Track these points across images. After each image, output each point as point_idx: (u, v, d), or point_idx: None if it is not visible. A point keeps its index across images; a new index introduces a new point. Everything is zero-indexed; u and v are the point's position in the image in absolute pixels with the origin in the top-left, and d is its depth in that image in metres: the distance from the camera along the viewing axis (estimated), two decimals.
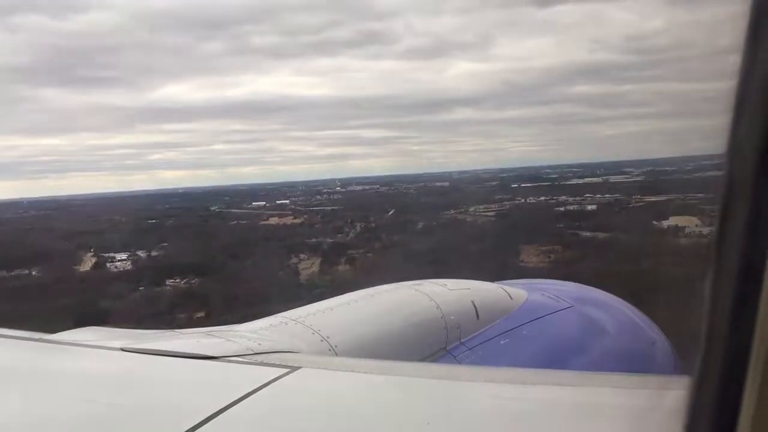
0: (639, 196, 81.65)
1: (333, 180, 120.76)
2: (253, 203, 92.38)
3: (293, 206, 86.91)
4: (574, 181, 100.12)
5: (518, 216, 75.51)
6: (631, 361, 4.75)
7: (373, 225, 72.27)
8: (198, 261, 52.39)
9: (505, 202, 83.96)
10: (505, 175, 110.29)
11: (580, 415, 2.38)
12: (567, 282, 5.86)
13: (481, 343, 4.22)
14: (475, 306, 4.39)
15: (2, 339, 3.75)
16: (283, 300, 41.94)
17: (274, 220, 78.32)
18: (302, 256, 55.94)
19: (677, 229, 65.70)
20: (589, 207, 77.77)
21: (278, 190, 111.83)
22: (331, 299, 4.31)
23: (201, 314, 36.42)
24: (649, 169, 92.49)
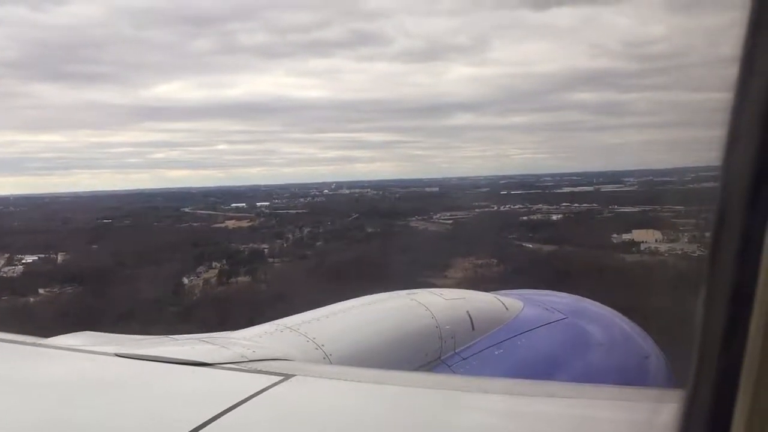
0: (615, 207, 75.87)
1: (330, 183, 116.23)
2: (233, 205, 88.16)
3: (265, 209, 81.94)
4: (565, 190, 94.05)
5: (476, 225, 69.20)
6: (624, 374, 4.50)
7: (320, 230, 66.86)
8: (97, 267, 47.23)
9: (475, 210, 78.18)
10: (503, 182, 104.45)
11: (573, 427, 2.31)
12: (563, 293, 5.46)
13: (475, 354, 3.97)
14: (470, 316, 4.10)
15: None
16: (133, 318, 37.70)
17: (231, 224, 73.81)
18: (215, 264, 50.34)
19: (631, 244, 58.82)
20: (554, 217, 71.35)
21: (272, 192, 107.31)
22: (326, 307, 3.96)
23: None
24: (647, 179, 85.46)
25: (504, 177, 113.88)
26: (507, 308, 4.44)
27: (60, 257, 52.13)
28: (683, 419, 1.04)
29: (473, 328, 4.07)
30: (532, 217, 71.86)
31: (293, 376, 2.71)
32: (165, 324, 33.45)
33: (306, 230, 67.53)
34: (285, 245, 60.01)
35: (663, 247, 55.97)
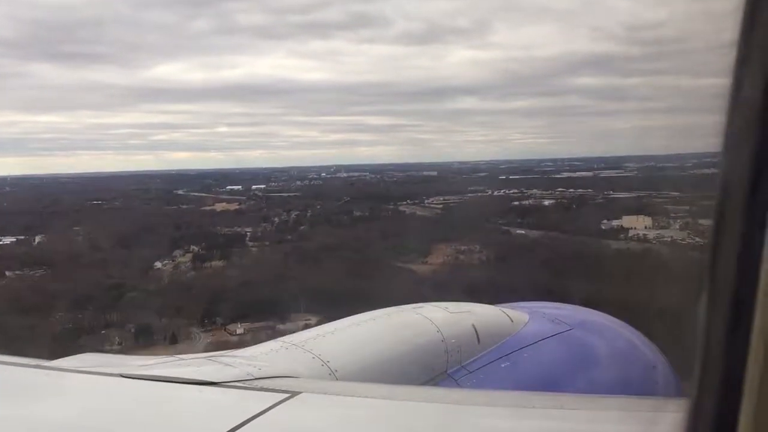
0: (611, 192, 74.22)
1: (330, 167, 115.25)
2: (228, 187, 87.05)
3: (259, 193, 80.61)
4: (563, 175, 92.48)
5: (466, 210, 67.51)
6: (631, 384, 4.45)
7: (307, 214, 65.46)
8: (70, 250, 46.04)
9: (469, 194, 76.51)
10: (503, 167, 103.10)
11: None
12: (568, 305, 5.35)
13: (481, 367, 3.94)
14: (475, 329, 4.08)
15: (1, 366, 3.47)
16: (92, 304, 36.46)
17: (221, 206, 72.70)
18: (193, 248, 49.05)
19: (619, 231, 57.02)
20: (546, 202, 69.49)
21: (270, 175, 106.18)
22: (331, 323, 3.97)
23: None
24: (648, 164, 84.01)
25: (505, 162, 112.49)
26: (512, 321, 4.38)
27: (37, 239, 50.96)
28: (688, 428, 1.02)
29: (479, 342, 4.04)
30: (524, 202, 70.00)
31: (300, 393, 2.70)
32: (122, 309, 32.19)
33: (293, 214, 66.24)
34: (268, 229, 58.70)
35: (651, 234, 54.23)
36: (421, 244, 50.70)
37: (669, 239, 52.37)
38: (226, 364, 3.02)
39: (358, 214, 66.32)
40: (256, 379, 2.88)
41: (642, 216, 58.73)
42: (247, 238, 53.42)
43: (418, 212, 66.62)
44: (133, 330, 28.93)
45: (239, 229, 57.46)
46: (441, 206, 69.60)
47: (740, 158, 0.91)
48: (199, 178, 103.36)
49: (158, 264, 43.43)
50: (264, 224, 61.05)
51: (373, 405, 2.72)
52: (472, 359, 3.91)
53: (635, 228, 56.22)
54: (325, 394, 2.83)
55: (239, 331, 29.74)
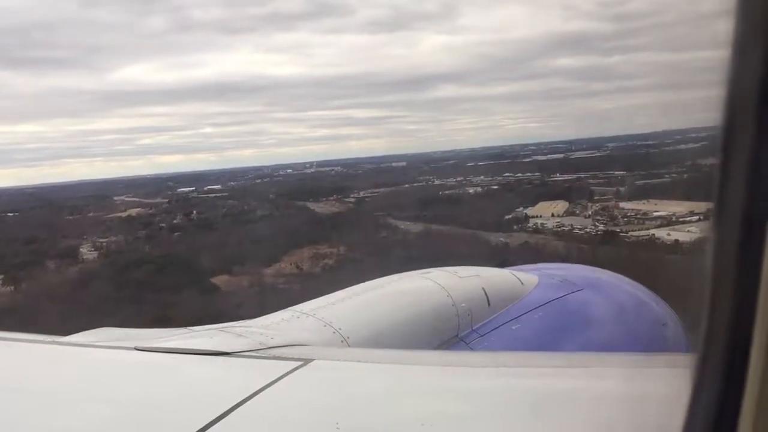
0: (556, 175, 64.66)
1: (304, 163, 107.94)
2: (179, 190, 79.82)
3: (188, 195, 72.97)
4: (529, 159, 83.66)
5: (377, 203, 58.26)
6: (643, 342, 4.27)
7: (203, 216, 57.18)
8: None
9: (405, 185, 67.76)
10: (482, 153, 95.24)
11: (593, 396, 2.25)
12: (577, 265, 5.36)
13: (493, 330, 3.83)
14: (485, 293, 3.97)
15: (16, 342, 3.43)
16: None
17: (135, 211, 65.10)
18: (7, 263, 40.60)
19: (519, 220, 46.60)
20: (471, 190, 59.55)
21: (241, 173, 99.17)
22: (341, 291, 3.76)
23: None
24: (627, 144, 76.60)
25: (489, 148, 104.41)
26: (522, 283, 4.18)
27: None
28: (696, 383, 0.98)
29: (489, 305, 3.86)
30: (448, 192, 60.38)
31: (312, 360, 2.63)
32: None
33: (189, 216, 58.14)
34: (138, 236, 50.37)
35: (551, 224, 43.83)
36: (282, 248, 41.51)
37: (566, 228, 42.10)
38: (238, 335, 2.90)
39: (260, 213, 57.80)
40: (268, 348, 2.79)
41: (558, 202, 48.41)
42: (90, 250, 44.90)
43: (320, 209, 57.47)
44: None
45: (103, 240, 49.19)
46: (353, 201, 60.48)
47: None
48: (165, 181, 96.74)
49: None
50: (142, 231, 52.84)
51: (386, 370, 2.65)
52: (483, 322, 3.77)
53: (540, 216, 45.85)
54: (338, 360, 2.75)
55: None
